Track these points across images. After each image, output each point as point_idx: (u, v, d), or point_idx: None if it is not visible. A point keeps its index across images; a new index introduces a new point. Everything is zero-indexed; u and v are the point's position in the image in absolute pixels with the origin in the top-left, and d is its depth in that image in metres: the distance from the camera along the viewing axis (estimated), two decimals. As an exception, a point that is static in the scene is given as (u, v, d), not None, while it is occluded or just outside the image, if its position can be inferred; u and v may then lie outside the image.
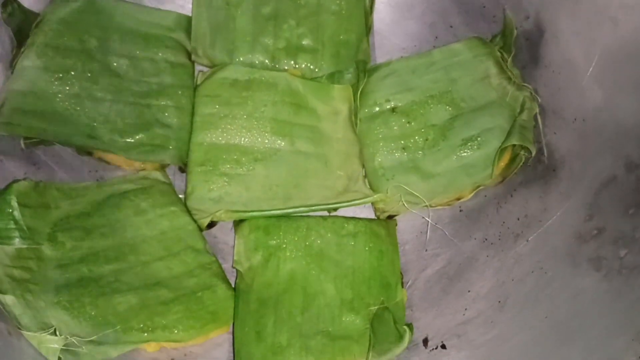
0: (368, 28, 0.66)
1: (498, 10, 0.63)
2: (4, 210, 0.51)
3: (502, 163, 0.59)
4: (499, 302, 0.53)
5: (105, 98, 0.60)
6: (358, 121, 0.64)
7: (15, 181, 0.53)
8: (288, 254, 0.57)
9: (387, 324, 0.52)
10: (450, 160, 0.61)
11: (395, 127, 0.63)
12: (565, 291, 0.50)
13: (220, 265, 0.58)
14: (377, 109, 0.64)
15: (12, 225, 0.51)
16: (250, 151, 0.61)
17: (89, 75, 0.60)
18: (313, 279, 0.56)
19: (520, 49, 0.62)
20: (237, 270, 0.57)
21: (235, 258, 0.57)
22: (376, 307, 0.54)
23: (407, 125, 0.63)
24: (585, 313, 0.47)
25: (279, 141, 0.62)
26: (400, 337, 0.51)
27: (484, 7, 0.64)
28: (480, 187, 0.59)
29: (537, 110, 0.58)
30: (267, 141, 0.62)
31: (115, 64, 0.62)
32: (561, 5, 0.57)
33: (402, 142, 0.62)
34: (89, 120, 0.59)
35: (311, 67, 0.65)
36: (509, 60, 0.62)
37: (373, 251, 0.58)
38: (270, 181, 0.61)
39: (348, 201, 0.60)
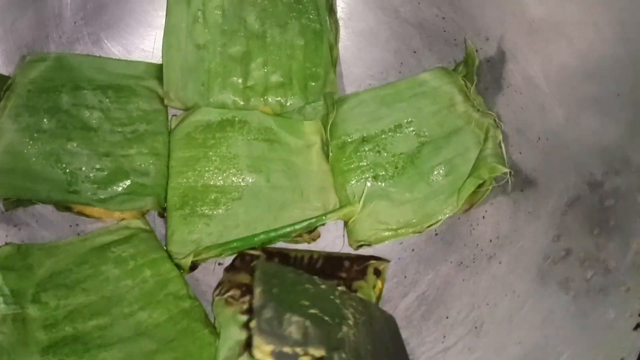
0: (334, 60, 0.67)
1: (458, 34, 0.64)
2: (-13, 278, 0.53)
3: (469, 192, 0.59)
4: (475, 327, 0.54)
5: (81, 152, 0.61)
6: (330, 152, 0.64)
7: (-2, 247, 0.55)
8: None
9: None
10: (420, 187, 0.62)
11: (365, 156, 0.64)
12: (536, 314, 0.51)
13: (203, 309, 0.59)
14: (348, 139, 0.65)
15: (-4, 292, 0.53)
16: (228, 190, 0.62)
17: (63, 131, 0.61)
18: None
19: (482, 71, 0.62)
20: None
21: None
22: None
23: (377, 154, 0.64)
24: (555, 337, 0.48)
25: (255, 178, 0.63)
26: None
27: (445, 31, 0.64)
28: (448, 215, 0.60)
29: (501, 137, 0.59)
30: (243, 179, 0.63)
31: (88, 118, 0.62)
32: (519, 25, 0.58)
33: (373, 170, 0.63)
34: (66, 175, 0.60)
35: (282, 101, 0.66)
36: (473, 88, 0.62)
37: None
38: (249, 217, 0.62)
39: (318, 217, 0.60)
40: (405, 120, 0.64)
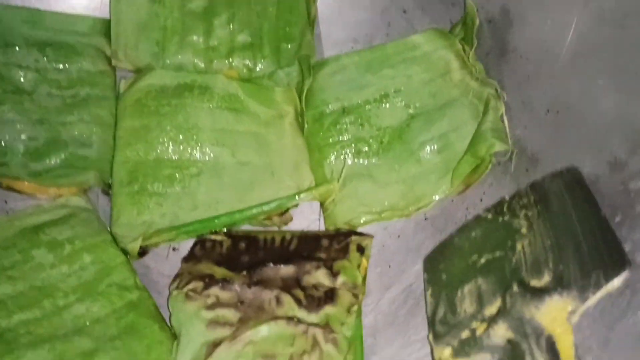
0: (312, 19, 0.60)
1: (456, -9, 0.57)
2: None
3: (465, 172, 0.53)
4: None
5: (12, 119, 0.53)
6: (305, 124, 0.57)
7: None
8: None
9: None
10: (408, 166, 0.56)
11: (346, 130, 0.57)
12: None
13: (153, 302, 0.52)
14: (326, 109, 0.58)
15: None
16: (185, 165, 0.55)
17: (-9, 94, 0.53)
18: None
19: (482, 34, 0.56)
20: None
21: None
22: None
23: (360, 127, 0.57)
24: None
25: (217, 152, 0.56)
26: None
27: (440, -13, 0.58)
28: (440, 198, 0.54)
29: (503, 109, 0.53)
30: (204, 153, 0.56)
31: (21, 79, 0.55)
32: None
33: (354, 146, 0.57)
34: (-7, 145, 0.52)
35: (250, 65, 0.58)
36: (471, 53, 0.56)
37: None
38: (211, 197, 0.55)
39: (289, 196, 0.54)
40: (392, 90, 0.58)
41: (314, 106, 0.58)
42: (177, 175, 0.55)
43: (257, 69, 0.58)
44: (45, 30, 0.57)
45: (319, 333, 0.47)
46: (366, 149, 0.57)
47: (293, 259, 0.52)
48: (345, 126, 0.57)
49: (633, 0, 0.43)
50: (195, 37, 0.57)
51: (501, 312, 0.43)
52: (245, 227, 0.56)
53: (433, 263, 0.52)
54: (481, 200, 0.53)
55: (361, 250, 0.53)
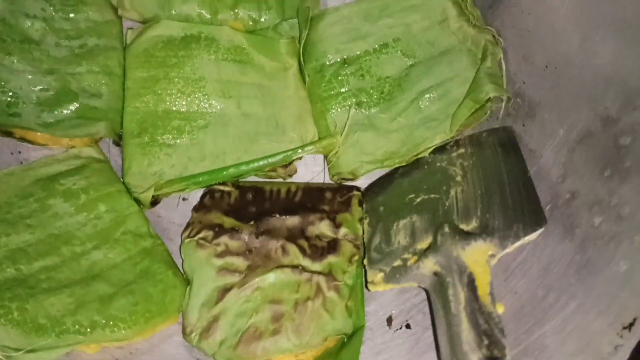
0: None
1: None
2: None
3: (464, 116, 0.53)
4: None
5: (22, 69, 0.53)
6: (307, 77, 0.58)
7: None
8: None
9: None
10: (408, 113, 0.56)
11: (347, 81, 0.57)
12: (536, 261, 0.46)
13: (166, 249, 0.54)
14: (326, 61, 0.58)
15: None
16: (193, 117, 0.56)
17: (0, 44, 0.53)
18: None
19: (484, -12, 0.55)
20: None
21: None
22: None
23: (360, 78, 0.57)
24: (557, 288, 0.44)
25: (224, 104, 0.56)
26: None
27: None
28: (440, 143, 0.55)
29: (501, 55, 0.53)
30: (210, 105, 0.56)
31: (29, 28, 0.54)
32: None
33: (355, 97, 0.57)
34: (5, 96, 0.53)
35: (254, 16, 0.58)
36: (469, 0, 0.55)
37: None
38: (218, 148, 0.56)
39: (294, 149, 0.55)
40: (391, 39, 0.57)
41: (315, 58, 0.58)
42: (185, 126, 0.55)
43: (262, 20, 0.58)
44: (51, -22, 0.56)
45: (322, 280, 0.50)
46: (367, 99, 0.57)
47: (298, 210, 0.53)
48: (346, 77, 0.57)
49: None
50: (200, -13, 0.57)
51: (431, 248, 0.47)
52: (252, 178, 0.57)
53: (372, 195, 0.55)
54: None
55: (362, 204, 0.55)
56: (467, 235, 0.46)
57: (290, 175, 0.58)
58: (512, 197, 0.48)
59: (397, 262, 0.48)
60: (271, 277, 0.50)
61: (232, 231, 0.52)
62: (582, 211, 0.45)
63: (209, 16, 0.58)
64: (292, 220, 0.53)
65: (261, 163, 0.55)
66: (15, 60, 0.53)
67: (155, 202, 0.56)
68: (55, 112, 0.54)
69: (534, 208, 0.47)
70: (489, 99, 0.53)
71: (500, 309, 0.43)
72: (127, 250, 0.52)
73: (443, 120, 0.55)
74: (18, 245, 0.49)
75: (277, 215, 0.53)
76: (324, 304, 0.49)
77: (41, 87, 0.54)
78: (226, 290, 0.50)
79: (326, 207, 0.54)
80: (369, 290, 0.49)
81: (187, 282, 0.51)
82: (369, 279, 0.49)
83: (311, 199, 0.55)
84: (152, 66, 0.56)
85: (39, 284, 0.48)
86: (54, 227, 0.51)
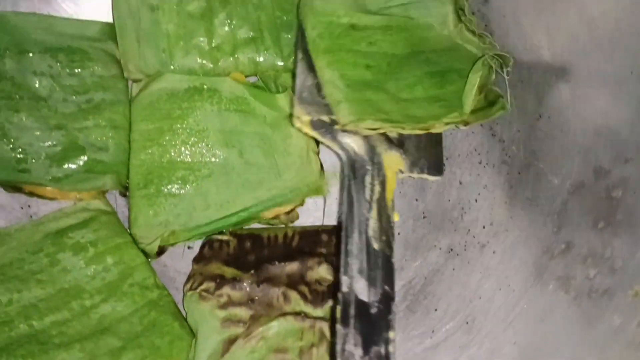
0: None
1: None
2: None
3: (472, 96, 0.51)
4: (467, 322, 0.51)
5: (31, 126, 0.55)
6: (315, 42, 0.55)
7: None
8: None
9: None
10: (417, 90, 0.54)
11: (356, 42, 0.55)
12: (533, 312, 0.48)
13: (172, 300, 0.55)
14: (335, 19, 0.56)
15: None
16: (197, 167, 0.57)
17: (9, 102, 0.54)
18: None
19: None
20: None
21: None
22: None
23: (369, 44, 0.56)
24: (554, 339, 0.45)
25: (227, 153, 0.57)
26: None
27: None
28: (452, 124, 0.51)
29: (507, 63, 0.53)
30: (214, 154, 0.57)
31: (37, 85, 0.56)
32: (522, -14, 0.52)
33: (366, 60, 0.55)
34: (14, 152, 0.54)
35: (254, 58, 0.59)
36: (467, 6, 0.56)
37: None
38: (221, 197, 0.57)
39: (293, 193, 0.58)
40: (395, 25, 0.57)
41: (323, 14, 0.55)
42: (189, 176, 0.56)
43: (261, 60, 0.59)
44: (57, 36, 0.57)
45: (325, 326, 0.51)
46: (376, 65, 0.55)
47: (296, 256, 0.54)
48: (355, 39, 0.55)
49: (623, 8, 0.44)
50: (198, 40, 0.58)
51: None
52: (254, 224, 0.59)
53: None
54: (476, 200, 0.55)
55: None
56: (392, 143, 0.50)
57: (292, 222, 0.59)
58: (425, 137, 0.52)
59: (325, 118, 0.49)
60: (275, 326, 0.51)
61: (234, 281, 0.53)
62: (577, 263, 0.46)
63: (211, 65, 0.59)
64: (292, 267, 0.54)
65: (260, 207, 0.56)
66: (24, 118, 0.54)
67: (161, 251, 0.57)
68: (64, 166, 0.55)
69: (438, 157, 0.52)
70: (498, 95, 0.52)
71: (396, 218, 0.47)
72: (134, 302, 0.53)
73: (454, 102, 0.52)
74: (30, 301, 0.50)
75: (277, 263, 0.54)
76: (328, 350, 0.50)
77: (50, 143, 0.55)
78: (231, 341, 0.51)
79: (323, 250, 0.55)
80: (292, 125, 0.50)
81: (193, 333, 0.53)
82: (296, 113, 0.49)
83: (308, 243, 0.56)
84: (157, 118, 0.57)
85: (50, 339, 0.49)
86: (64, 282, 0.52)
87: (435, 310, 0.53)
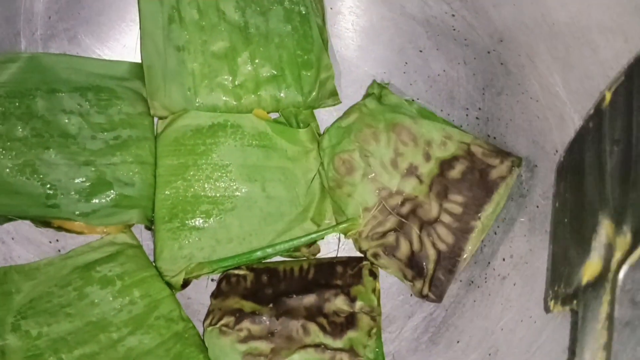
0: (325, 43, 0.62)
1: (470, 34, 0.59)
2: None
3: None
4: (489, 354, 0.51)
5: (60, 162, 0.56)
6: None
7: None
8: None
9: None
10: None
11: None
12: (556, 343, 0.48)
13: (197, 332, 0.56)
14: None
15: (-29, 326, 0.49)
16: (220, 201, 0.59)
17: (39, 139, 0.56)
18: None
19: (495, 75, 0.58)
20: None
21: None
22: None
23: None
24: (579, 372, 0.45)
25: (249, 187, 0.59)
26: None
27: (454, 29, 0.60)
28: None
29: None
30: (237, 189, 0.59)
31: (66, 124, 0.57)
32: (538, 28, 0.54)
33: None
34: (44, 188, 0.55)
35: (276, 95, 0.61)
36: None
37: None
38: (244, 230, 0.59)
39: (319, 231, 0.58)
40: None
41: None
42: (213, 210, 0.58)
43: (283, 96, 0.61)
44: (86, 76, 0.59)
45: (345, 357, 0.52)
46: None
47: (313, 288, 0.55)
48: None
49: (635, 49, 0.46)
50: (222, 78, 0.60)
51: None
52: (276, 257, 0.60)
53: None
54: (495, 233, 0.56)
55: (373, 274, 0.56)
56: None
57: (314, 255, 0.60)
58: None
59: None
60: (296, 359, 0.52)
61: (253, 315, 0.53)
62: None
63: (234, 102, 0.61)
64: (309, 299, 0.55)
65: (286, 246, 0.57)
66: (54, 155, 0.56)
67: (185, 284, 0.58)
68: (92, 202, 0.56)
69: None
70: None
71: None
72: (160, 335, 0.54)
73: None
74: (59, 334, 0.51)
75: (294, 295, 0.55)
76: (350, 381, 0.51)
77: (78, 179, 0.56)
78: None
79: (339, 282, 0.56)
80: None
81: (217, 366, 0.53)
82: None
83: (324, 275, 0.57)
84: (182, 154, 0.59)
85: (79, 373, 0.50)
86: (91, 315, 0.53)
87: (458, 342, 0.54)
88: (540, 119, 0.55)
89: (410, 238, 0.54)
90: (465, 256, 0.52)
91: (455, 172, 0.54)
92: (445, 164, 0.55)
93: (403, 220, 0.55)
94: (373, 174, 0.56)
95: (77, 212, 0.56)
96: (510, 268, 0.54)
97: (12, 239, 0.57)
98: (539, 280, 0.51)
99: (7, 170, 0.54)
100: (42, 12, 0.60)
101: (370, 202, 0.56)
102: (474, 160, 0.54)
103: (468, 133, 0.56)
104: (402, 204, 0.55)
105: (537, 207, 0.54)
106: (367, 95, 0.61)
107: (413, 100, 0.60)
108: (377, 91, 0.60)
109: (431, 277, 0.53)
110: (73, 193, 0.56)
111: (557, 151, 0.53)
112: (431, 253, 0.53)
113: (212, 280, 0.60)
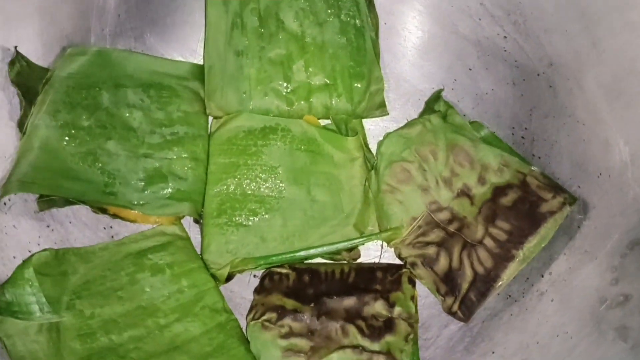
0: (377, 56, 0.64)
1: (519, 55, 0.61)
2: (23, 285, 0.51)
3: None
4: (523, 366, 0.52)
5: (120, 153, 0.59)
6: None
7: (36, 253, 0.53)
8: None
9: None
10: None
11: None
12: (590, 359, 0.49)
13: (238, 324, 0.58)
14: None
15: (32, 300, 0.51)
16: (267, 201, 0.61)
17: (102, 130, 0.59)
18: None
19: (542, 97, 0.60)
20: None
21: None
22: None
23: None
24: (612, 389, 0.46)
25: (295, 190, 0.61)
26: None
27: (505, 50, 0.62)
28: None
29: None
30: (283, 190, 0.61)
31: (128, 117, 0.60)
32: (586, 53, 0.55)
33: None
34: (103, 176, 0.58)
35: (327, 103, 0.64)
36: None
37: None
38: (287, 231, 0.61)
39: (362, 238, 0.59)
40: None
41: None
42: (259, 209, 0.60)
43: (334, 105, 0.63)
44: (150, 73, 0.63)
45: None
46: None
47: (353, 291, 0.56)
48: None
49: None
50: (277, 83, 0.63)
51: None
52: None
53: None
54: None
55: (412, 282, 0.58)
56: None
57: (354, 259, 0.62)
58: None
59: None
60: (334, 358, 0.53)
61: (295, 313, 0.55)
62: (634, 314, 0.48)
63: (286, 108, 0.63)
64: (349, 301, 0.56)
65: (330, 248, 0.59)
66: (115, 145, 0.59)
67: (229, 278, 0.60)
68: (147, 192, 0.59)
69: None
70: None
71: None
72: (204, 324, 0.56)
73: None
74: (110, 316, 0.54)
75: (335, 297, 0.56)
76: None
77: (137, 170, 0.59)
78: None
79: (378, 287, 0.57)
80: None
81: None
82: None
83: (364, 280, 0.58)
84: (234, 154, 0.62)
85: (128, 353, 0.52)
86: (141, 300, 0.56)
87: (493, 352, 0.55)
88: (585, 142, 0.56)
89: (451, 254, 0.56)
90: (500, 283, 0.53)
91: (507, 199, 0.56)
92: (499, 190, 0.56)
93: (448, 234, 0.56)
94: (427, 188, 0.59)
95: (133, 201, 0.59)
96: (549, 285, 0.55)
97: (70, 222, 0.60)
98: (576, 298, 0.52)
99: (71, 157, 0.57)
100: (113, 10, 0.64)
101: (418, 211, 0.58)
102: (527, 190, 0.56)
103: (528, 164, 0.58)
104: (450, 221, 0.57)
105: (578, 227, 0.55)
106: (431, 110, 0.64)
107: (482, 123, 0.62)
108: (444, 109, 0.62)
109: (463, 296, 0.55)
110: (130, 182, 0.59)
111: (600, 174, 0.54)
112: (468, 273, 0.55)
113: (255, 276, 0.62)
